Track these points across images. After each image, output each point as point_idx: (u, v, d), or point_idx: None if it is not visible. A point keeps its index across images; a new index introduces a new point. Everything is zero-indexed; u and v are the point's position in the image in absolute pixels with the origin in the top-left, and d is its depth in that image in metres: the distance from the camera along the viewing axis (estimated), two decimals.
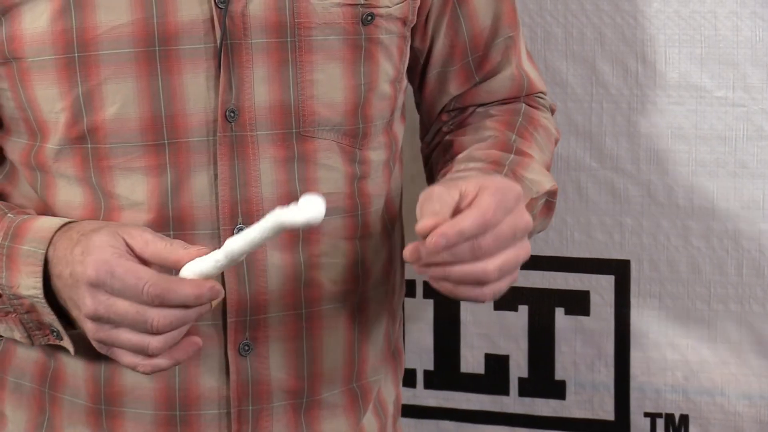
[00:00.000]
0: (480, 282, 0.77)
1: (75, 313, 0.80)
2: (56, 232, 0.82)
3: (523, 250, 0.80)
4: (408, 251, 0.76)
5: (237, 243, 0.76)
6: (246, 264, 0.87)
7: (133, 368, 0.78)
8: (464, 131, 0.97)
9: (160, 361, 0.78)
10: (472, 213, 0.76)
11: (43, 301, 0.81)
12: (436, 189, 0.80)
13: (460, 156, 0.91)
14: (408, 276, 1.17)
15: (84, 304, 0.77)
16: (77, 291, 0.78)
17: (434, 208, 0.77)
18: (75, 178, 0.86)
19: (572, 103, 1.17)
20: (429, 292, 1.23)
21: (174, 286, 0.76)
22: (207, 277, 0.77)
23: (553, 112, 1.04)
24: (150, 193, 0.85)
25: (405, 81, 0.96)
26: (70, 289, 0.79)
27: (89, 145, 0.85)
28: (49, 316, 0.83)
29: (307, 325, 0.90)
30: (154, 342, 0.77)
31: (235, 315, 0.87)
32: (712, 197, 1.14)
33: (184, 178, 0.85)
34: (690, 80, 1.13)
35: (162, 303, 0.76)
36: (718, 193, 1.14)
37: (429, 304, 1.23)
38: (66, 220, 0.84)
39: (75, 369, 0.89)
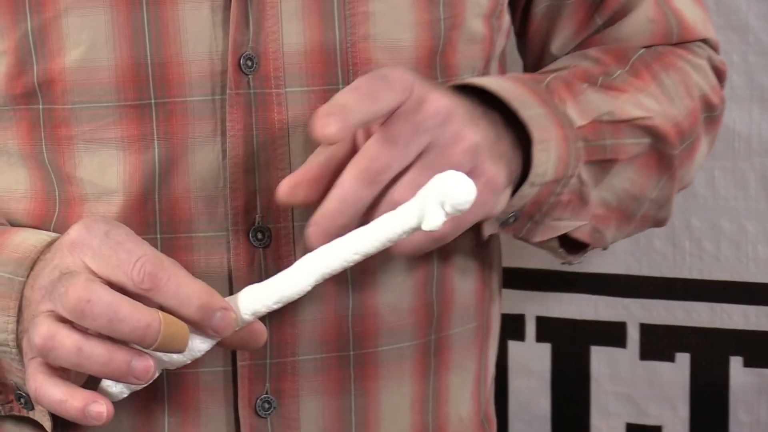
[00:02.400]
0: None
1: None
2: (43, 251, 0.77)
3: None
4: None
5: (346, 248, 0.73)
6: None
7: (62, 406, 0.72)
8: (553, 64, 0.93)
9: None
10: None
11: (15, 350, 0.77)
12: None
13: None
14: (512, 309, 1.14)
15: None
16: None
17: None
18: (18, 155, 0.82)
19: (755, 57, 1.11)
20: (545, 332, 1.17)
21: (177, 273, 0.72)
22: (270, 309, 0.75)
23: (720, 73, 0.96)
24: (128, 178, 0.81)
25: (507, 18, 0.90)
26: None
27: (40, 106, 0.81)
28: (18, 374, 0.79)
29: (356, 373, 0.84)
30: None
31: (249, 357, 0.81)
32: None
33: (178, 156, 0.80)
34: None
35: (152, 289, 0.72)
36: None
37: (545, 350, 1.18)
38: (54, 235, 0.79)
39: None
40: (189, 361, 0.74)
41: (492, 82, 0.83)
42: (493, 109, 0.80)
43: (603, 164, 0.84)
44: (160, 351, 0.72)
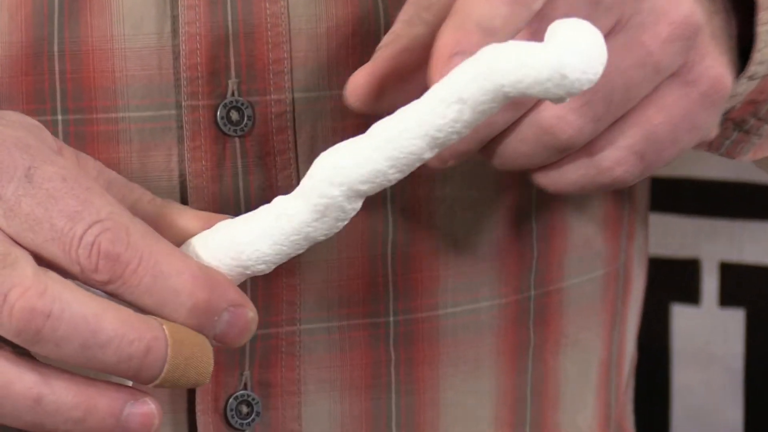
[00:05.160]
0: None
1: None
2: None
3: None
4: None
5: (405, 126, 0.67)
6: (239, 199, 0.77)
7: None
8: None
9: None
10: None
11: None
12: None
13: None
14: (679, 250, 1.07)
15: None
16: None
17: None
18: None
19: None
20: (736, 290, 1.04)
21: (153, 250, 0.69)
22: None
23: None
24: (9, 14, 0.77)
25: None
26: None
27: None
28: None
29: (401, 353, 0.78)
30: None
31: None
32: None
33: None
34: None
35: (112, 281, 0.67)
36: None
37: (735, 321, 1.05)
38: None
39: None
40: None
41: None
42: None
43: None
44: (165, 386, 0.66)
